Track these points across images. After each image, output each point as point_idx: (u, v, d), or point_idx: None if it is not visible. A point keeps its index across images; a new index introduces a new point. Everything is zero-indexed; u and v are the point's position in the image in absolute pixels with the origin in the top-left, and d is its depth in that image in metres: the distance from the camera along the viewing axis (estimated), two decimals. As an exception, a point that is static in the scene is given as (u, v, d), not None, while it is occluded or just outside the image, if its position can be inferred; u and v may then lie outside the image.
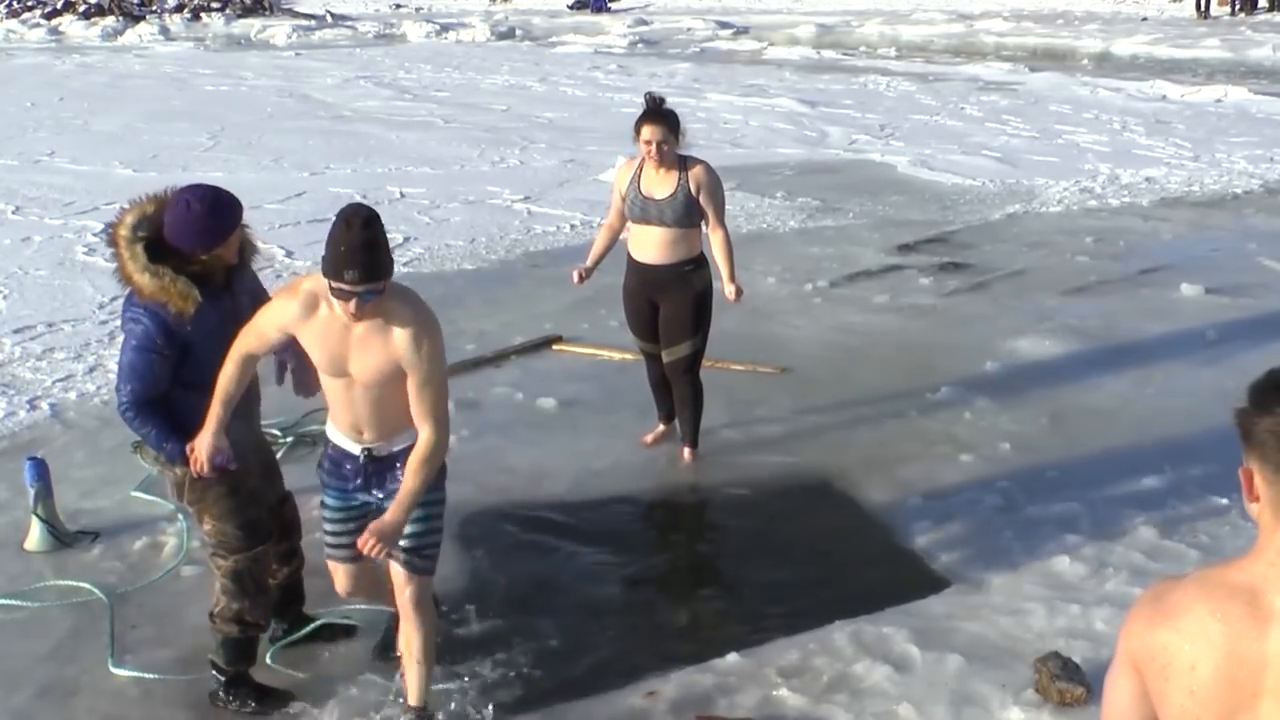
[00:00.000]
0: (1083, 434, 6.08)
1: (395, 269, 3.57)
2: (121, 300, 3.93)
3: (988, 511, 5.26)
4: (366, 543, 3.45)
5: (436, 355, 3.54)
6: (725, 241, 5.62)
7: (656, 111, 5.47)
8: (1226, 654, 1.75)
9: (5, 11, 35.54)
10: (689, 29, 34.02)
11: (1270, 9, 34.19)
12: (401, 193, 12.27)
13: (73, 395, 6.72)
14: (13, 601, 4.67)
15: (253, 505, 3.98)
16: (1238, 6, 34.46)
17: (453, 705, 3.97)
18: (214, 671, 4.02)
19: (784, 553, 5.03)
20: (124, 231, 3.77)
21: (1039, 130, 15.85)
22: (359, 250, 3.35)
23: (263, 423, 4.36)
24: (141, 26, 33.46)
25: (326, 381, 3.65)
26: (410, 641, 3.75)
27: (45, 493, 5.07)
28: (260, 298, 4.00)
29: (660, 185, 5.53)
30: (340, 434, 3.74)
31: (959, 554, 4.92)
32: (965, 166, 13.40)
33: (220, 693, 4.02)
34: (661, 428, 6.05)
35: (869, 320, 8.01)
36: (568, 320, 7.79)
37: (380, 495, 3.72)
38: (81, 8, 34.89)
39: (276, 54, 28.45)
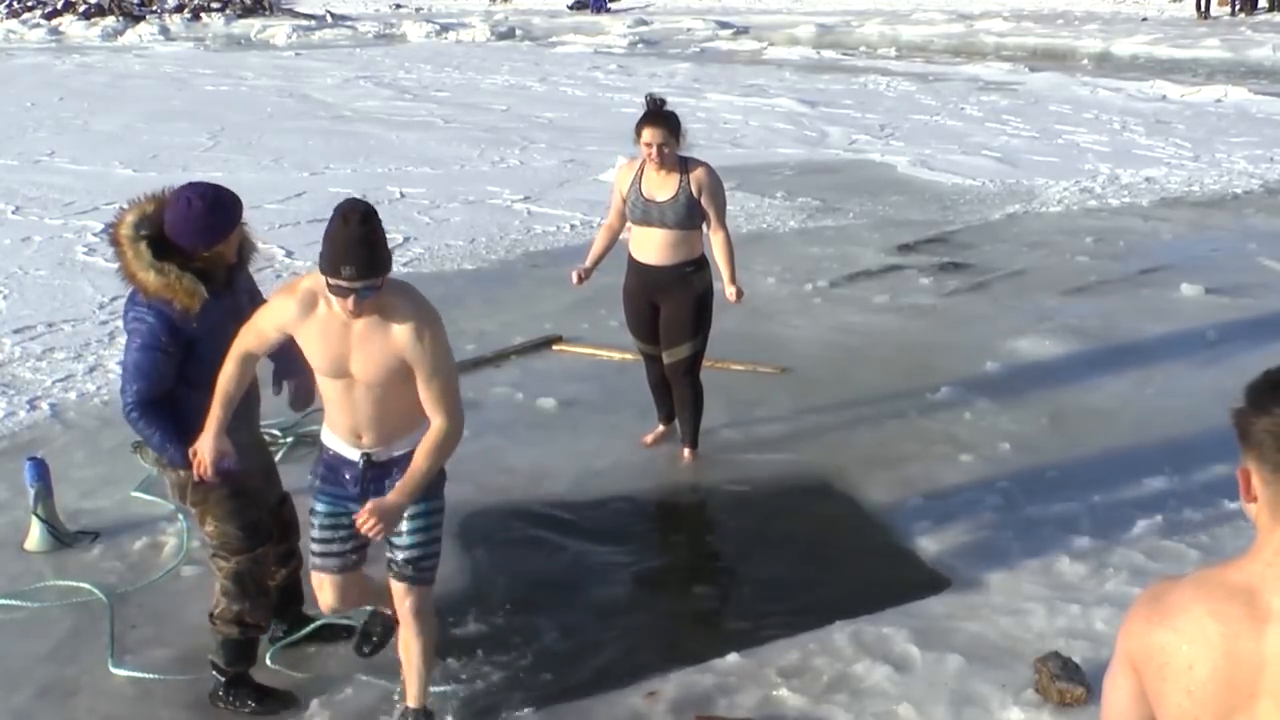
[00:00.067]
0: (1083, 434, 6.08)
1: (394, 267, 3.56)
2: (122, 301, 3.93)
3: (988, 511, 5.26)
4: (365, 522, 3.38)
5: (440, 346, 3.49)
6: (726, 243, 5.62)
7: (657, 113, 5.47)
8: (1224, 654, 1.75)
9: (5, 11, 35.53)
10: (689, 29, 34.01)
11: (1270, 9, 34.17)
12: (401, 193, 12.28)
13: (73, 395, 6.72)
14: (13, 601, 4.67)
15: (254, 507, 3.99)
16: (1238, 6, 34.44)
17: (452, 706, 3.98)
18: (214, 672, 4.02)
19: (784, 552, 5.04)
20: (126, 230, 3.78)
21: (1039, 130, 15.85)
22: (356, 246, 3.30)
23: (262, 423, 4.36)
24: (141, 26, 33.46)
25: (325, 384, 3.59)
26: (410, 647, 3.74)
27: (45, 493, 5.07)
28: (257, 298, 4.01)
29: (662, 187, 5.53)
30: (338, 439, 3.66)
31: (959, 554, 4.92)
32: (965, 166, 13.40)
33: (220, 693, 4.02)
34: (661, 428, 6.05)
35: (869, 320, 8.01)
36: (568, 320, 7.79)
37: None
38: (81, 8, 34.88)
39: (276, 54, 28.45)
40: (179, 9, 35.81)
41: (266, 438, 4.80)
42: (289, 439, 5.92)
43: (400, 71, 23.90)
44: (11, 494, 5.42)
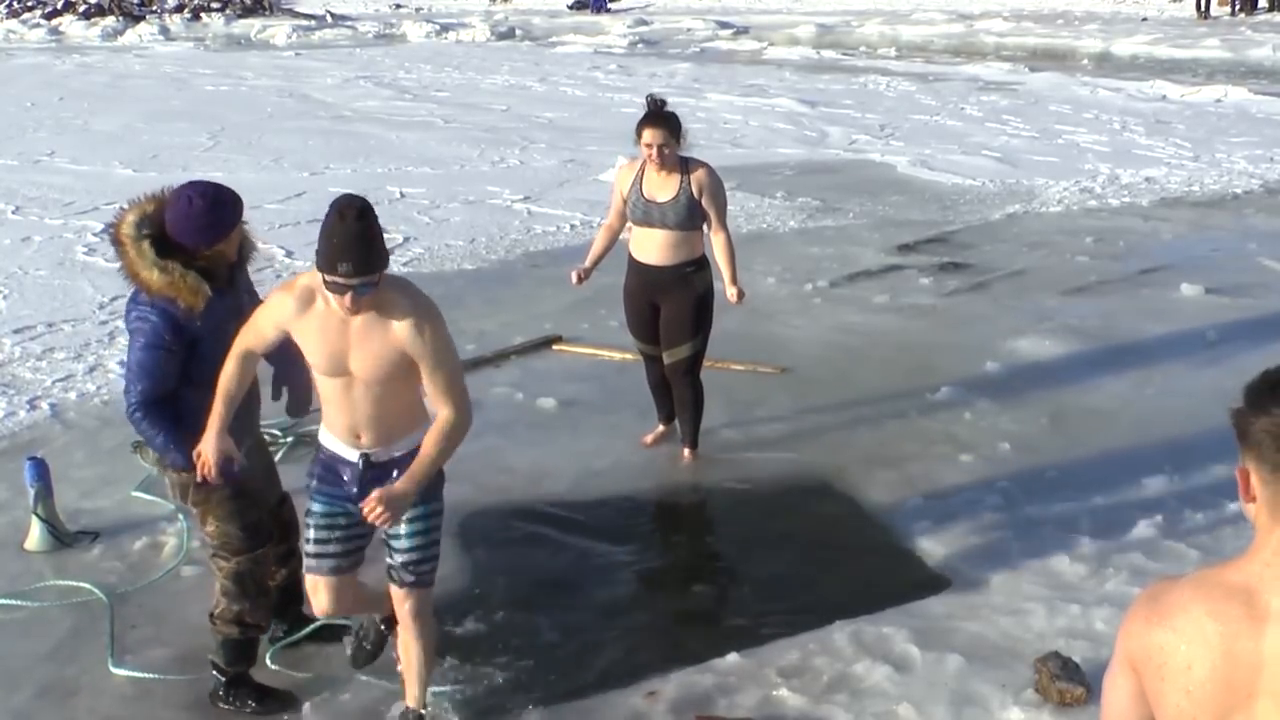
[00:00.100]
0: (1083, 434, 6.08)
1: (395, 268, 3.55)
2: (123, 301, 3.94)
3: (988, 511, 5.26)
4: (373, 509, 3.34)
5: (442, 338, 3.46)
6: (727, 244, 5.62)
7: (658, 114, 5.47)
8: (1222, 654, 1.76)
9: (5, 11, 35.54)
10: (689, 29, 34.01)
11: (1270, 9, 34.17)
12: (401, 193, 12.28)
13: (73, 395, 6.73)
14: (13, 601, 4.67)
15: (255, 507, 3.99)
16: (1238, 6, 34.44)
17: (452, 706, 3.97)
18: (214, 672, 4.03)
19: (784, 552, 5.04)
20: (127, 230, 3.78)
21: (1039, 130, 15.85)
22: (353, 242, 3.26)
23: (262, 423, 4.36)
24: (141, 26, 33.46)
25: (323, 383, 3.55)
26: (409, 649, 3.74)
27: (45, 493, 5.07)
28: (255, 297, 4.02)
29: (662, 188, 5.53)
30: (336, 440, 3.62)
31: (959, 554, 4.92)
32: (965, 166, 13.40)
33: (220, 693, 4.02)
34: (661, 428, 6.05)
35: (869, 320, 8.01)
36: (568, 320, 7.79)
37: None
38: (81, 8, 34.89)
39: (276, 54, 28.45)
40: (179, 9, 35.82)
41: (266, 438, 4.81)
42: (289, 439, 5.92)
43: (400, 71, 23.90)
44: (11, 494, 5.42)
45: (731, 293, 5.64)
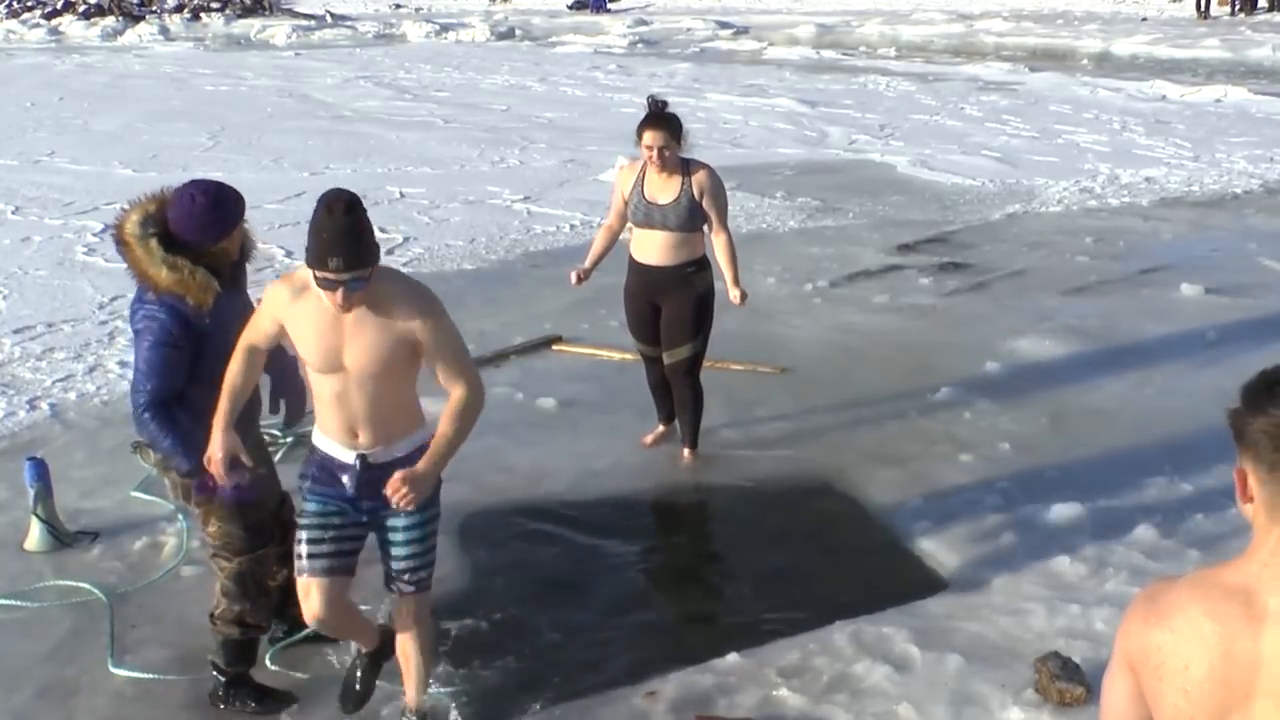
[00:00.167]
0: (1083, 434, 6.08)
1: (395, 268, 3.54)
2: (123, 300, 3.94)
3: (988, 511, 5.26)
4: (397, 490, 3.31)
5: (443, 322, 3.42)
6: (729, 245, 5.62)
7: (659, 116, 5.46)
8: (1220, 654, 1.76)
9: (5, 11, 35.56)
10: (689, 29, 34.02)
11: (1270, 9, 34.18)
12: (401, 193, 12.28)
13: (73, 395, 6.73)
14: (13, 601, 4.67)
15: (257, 508, 3.99)
16: (1238, 6, 34.45)
17: (451, 706, 3.98)
18: (214, 672, 4.03)
19: (783, 552, 5.04)
20: (132, 229, 3.78)
21: (1039, 130, 15.86)
22: (342, 236, 3.21)
23: (262, 423, 4.36)
24: (141, 26, 33.48)
25: (318, 381, 3.47)
26: (408, 651, 3.73)
27: (45, 493, 5.07)
28: (249, 302, 4.03)
29: (664, 190, 5.52)
30: (332, 441, 3.52)
31: (959, 554, 4.92)
32: (965, 166, 13.41)
33: (220, 693, 4.02)
34: (661, 429, 6.05)
35: (869, 320, 8.01)
36: (568, 320, 7.79)
37: (371, 506, 3.53)
38: (81, 8, 34.90)
39: (276, 54, 28.45)
40: (179, 9, 35.83)
41: (266, 438, 4.80)
42: (289, 439, 5.91)
43: (400, 71, 23.91)
44: (11, 494, 5.42)
45: (734, 294, 5.64)
